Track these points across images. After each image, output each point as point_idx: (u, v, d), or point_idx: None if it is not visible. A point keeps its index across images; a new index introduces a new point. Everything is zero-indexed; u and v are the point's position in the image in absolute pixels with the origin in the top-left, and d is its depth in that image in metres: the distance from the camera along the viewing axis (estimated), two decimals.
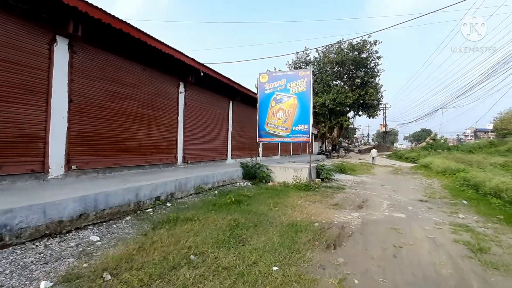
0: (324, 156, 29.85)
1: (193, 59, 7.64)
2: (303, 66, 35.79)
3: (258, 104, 9.96)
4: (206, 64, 8.45)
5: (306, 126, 9.21)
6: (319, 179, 9.91)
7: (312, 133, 29.15)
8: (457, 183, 11.50)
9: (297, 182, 8.80)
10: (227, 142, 11.12)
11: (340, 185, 9.87)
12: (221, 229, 4.13)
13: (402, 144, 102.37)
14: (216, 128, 10.38)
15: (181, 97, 8.45)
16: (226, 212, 5.07)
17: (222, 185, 7.82)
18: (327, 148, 35.69)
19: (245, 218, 4.77)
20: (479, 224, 5.47)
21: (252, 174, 9.00)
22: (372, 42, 29.79)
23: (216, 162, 10.46)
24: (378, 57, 30.85)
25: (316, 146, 32.67)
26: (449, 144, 41.41)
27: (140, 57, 6.77)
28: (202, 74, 8.13)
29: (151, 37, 6.11)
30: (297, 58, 35.44)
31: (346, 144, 69.18)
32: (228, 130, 11.18)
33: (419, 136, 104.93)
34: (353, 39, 31.87)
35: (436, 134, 43.19)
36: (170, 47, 6.73)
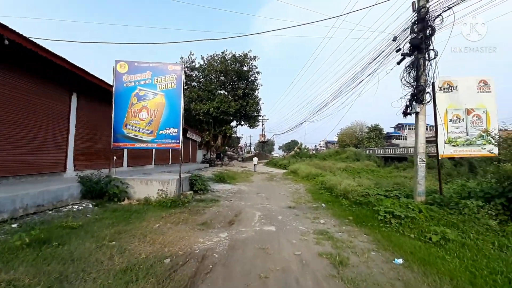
0: (208, 164, 29.11)
1: None
2: (188, 72, 34.33)
3: (113, 100, 7.71)
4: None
5: (176, 130, 7.79)
6: (192, 192, 8.64)
7: (195, 140, 28.07)
8: (316, 186, 13.02)
9: (162, 198, 7.16)
10: (67, 149, 8.03)
11: (216, 197, 8.97)
12: None
13: (277, 153, 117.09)
14: (45, 129, 7.26)
15: None
16: None
17: (35, 212, 5.15)
18: (212, 156, 35.29)
19: (35, 274, 2.80)
20: (336, 228, 5.67)
21: (98, 192, 6.63)
22: (252, 57, 32.00)
23: (44, 176, 7.29)
24: (258, 72, 33.48)
25: (200, 154, 31.57)
26: (310, 152, 50.08)
27: None
28: (7, 42, 5.26)
29: None
30: (182, 62, 33.62)
31: (231, 153, 72.08)
32: (68, 132, 8.11)
33: (290, 146, 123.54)
34: (236, 52, 33.35)
35: (301, 144, 51.47)
36: None
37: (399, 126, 70.72)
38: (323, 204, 8.43)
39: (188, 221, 5.68)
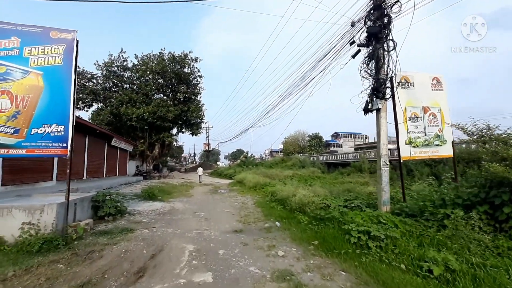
0: (142, 177, 25.09)
1: None
2: (118, 71, 29.86)
3: None
4: None
5: (62, 128, 5.11)
6: (92, 220, 5.95)
7: (125, 149, 23.87)
8: (266, 198, 11.38)
9: (29, 237, 4.41)
10: None
11: (132, 224, 6.42)
12: None
13: (223, 163, 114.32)
14: None
15: None
16: None
17: None
18: (148, 168, 31.00)
19: None
20: (302, 264, 3.94)
21: None
22: (193, 58, 29.59)
23: None
24: (200, 76, 31.14)
25: (132, 165, 27.21)
26: (257, 161, 49.27)
27: None
28: None
29: None
30: (110, 60, 29.12)
31: (173, 164, 66.66)
32: None
33: (236, 155, 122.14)
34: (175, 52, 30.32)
35: (247, 152, 50.31)
36: None
37: (336, 135, 76.18)
38: (277, 223, 6.72)
39: (59, 282, 3.22)
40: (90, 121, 26.96)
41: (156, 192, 12.30)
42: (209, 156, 73.52)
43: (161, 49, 32.60)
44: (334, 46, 9.32)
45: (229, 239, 5.32)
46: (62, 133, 5.10)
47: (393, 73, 6.67)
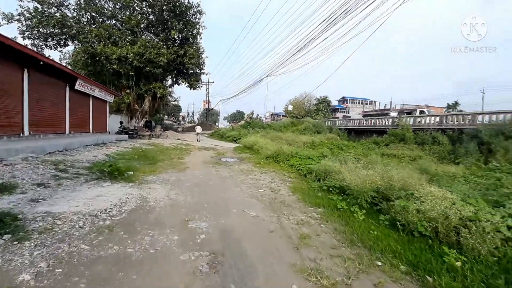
0: (127, 135, 20.38)
1: None
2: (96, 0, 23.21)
3: None
4: None
5: None
6: None
7: (101, 99, 18.49)
8: (310, 182, 6.79)
9: None
10: None
11: None
12: None
13: (222, 124, 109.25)
14: None
15: None
16: None
17: None
18: (136, 125, 26.12)
19: None
20: None
21: None
22: None
23: None
24: (200, 12, 24.61)
25: (114, 121, 22.19)
26: (264, 122, 44.38)
27: None
28: None
29: None
30: None
31: (170, 122, 61.68)
32: None
33: (235, 117, 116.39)
34: None
35: (252, 112, 45.04)
36: None
37: (343, 100, 70.39)
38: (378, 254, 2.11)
39: None
40: (69, 67, 21.35)
41: (129, 163, 7.66)
42: (209, 116, 68.17)
43: None
44: None
45: None
46: None
47: None
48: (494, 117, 15.45)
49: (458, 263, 2.66)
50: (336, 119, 37.41)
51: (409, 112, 33.47)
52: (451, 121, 18.07)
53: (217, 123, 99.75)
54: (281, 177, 7.87)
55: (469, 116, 17.10)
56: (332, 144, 18.54)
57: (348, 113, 63.58)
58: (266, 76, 23.91)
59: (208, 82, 52.53)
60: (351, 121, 32.20)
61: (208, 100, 56.57)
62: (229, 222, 3.91)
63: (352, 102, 70.14)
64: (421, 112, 31.52)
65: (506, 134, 12.85)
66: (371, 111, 58.74)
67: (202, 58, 25.79)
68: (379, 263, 2.80)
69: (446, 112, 31.85)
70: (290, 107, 50.32)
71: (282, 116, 69.35)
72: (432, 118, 19.98)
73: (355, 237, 3.40)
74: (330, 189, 5.75)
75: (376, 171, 5.43)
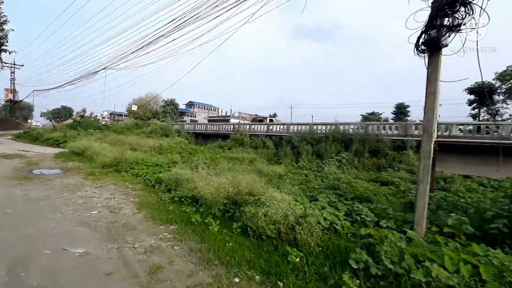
0: None
1: None
2: None
3: None
4: None
5: None
6: None
7: None
8: (160, 194, 6.23)
9: None
10: None
11: None
12: None
13: (38, 122, 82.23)
14: None
15: None
16: None
17: None
18: None
19: None
20: None
21: None
22: None
23: None
24: None
25: None
26: (101, 123, 37.18)
27: None
28: None
29: None
30: None
31: None
32: None
33: (60, 114, 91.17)
34: None
35: (85, 110, 36.70)
36: None
37: (190, 104, 72.98)
38: None
39: None
40: None
41: None
42: (16, 110, 49.01)
43: None
44: None
45: None
46: None
47: None
48: (300, 127, 20.93)
49: (297, 259, 3.15)
50: (184, 123, 37.68)
51: (261, 120, 39.31)
52: (276, 129, 22.84)
53: (29, 120, 73.70)
54: (124, 190, 6.76)
55: (285, 126, 22.27)
56: (181, 148, 18.39)
57: (195, 117, 66.11)
58: (104, 69, 19.95)
59: (15, 64, 38.04)
60: (198, 125, 33.49)
61: (14, 89, 40.79)
62: (36, 273, 2.76)
63: (198, 107, 73.57)
64: (270, 120, 38.16)
65: (307, 140, 17.70)
66: (215, 116, 64.06)
67: (2, 28, 18.19)
68: (237, 280, 2.86)
69: (269, 121, 39.99)
70: (135, 107, 45.52)
71: (125, 116, 61.66)
72: (263, 127, 24.46)
73: (211, 255, 3.34)
74: (183, 199, 5.52)
75: (227, 178, 5.74)
